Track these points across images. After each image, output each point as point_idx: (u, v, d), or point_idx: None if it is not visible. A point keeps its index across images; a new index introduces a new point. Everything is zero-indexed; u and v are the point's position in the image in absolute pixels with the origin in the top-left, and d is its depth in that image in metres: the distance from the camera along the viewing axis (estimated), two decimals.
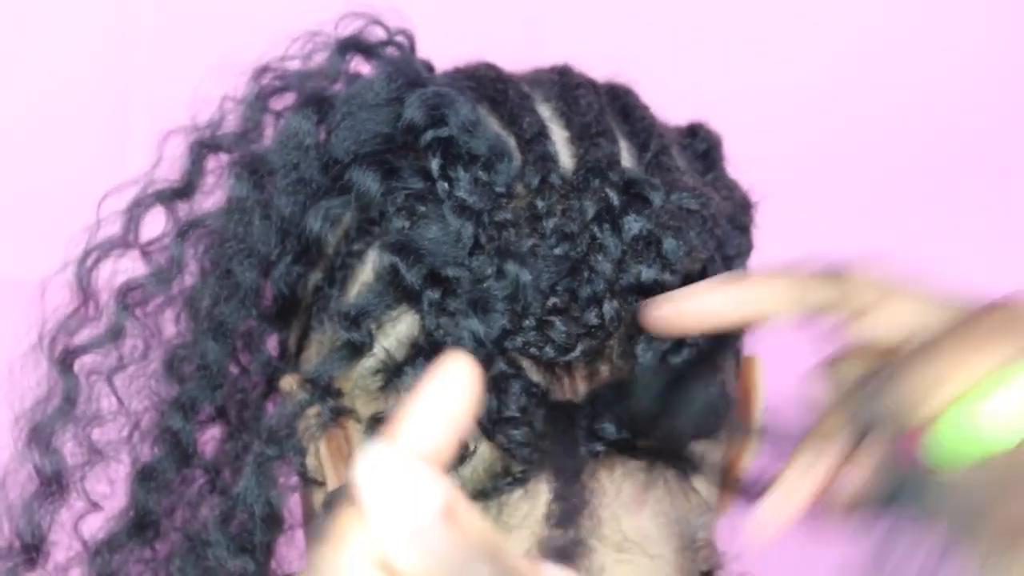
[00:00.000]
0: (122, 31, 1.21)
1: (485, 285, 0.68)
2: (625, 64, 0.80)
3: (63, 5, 1.21)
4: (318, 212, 0.71)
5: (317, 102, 0.72)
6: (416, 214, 0.70)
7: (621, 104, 0.77)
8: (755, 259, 0.77)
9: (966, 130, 1.26)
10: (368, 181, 0.70)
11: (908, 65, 1.28)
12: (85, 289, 0.77)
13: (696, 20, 1.24)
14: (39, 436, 0.73)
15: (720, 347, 0.72)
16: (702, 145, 0.79)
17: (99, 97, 1.19)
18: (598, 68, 0.79)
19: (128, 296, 0.74)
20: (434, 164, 0.70)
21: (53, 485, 0.74)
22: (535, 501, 0.69)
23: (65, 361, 0.74)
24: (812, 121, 1.25)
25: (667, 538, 0.71)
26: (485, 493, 0.69)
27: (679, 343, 0.70)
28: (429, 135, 0.70)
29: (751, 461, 0.77)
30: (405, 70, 0.73)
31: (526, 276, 0.68)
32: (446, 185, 0.70)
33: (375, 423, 0.69)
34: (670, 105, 0.79)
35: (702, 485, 0.73)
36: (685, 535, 0.72)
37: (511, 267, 0.68)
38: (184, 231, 0.72)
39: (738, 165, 0.80)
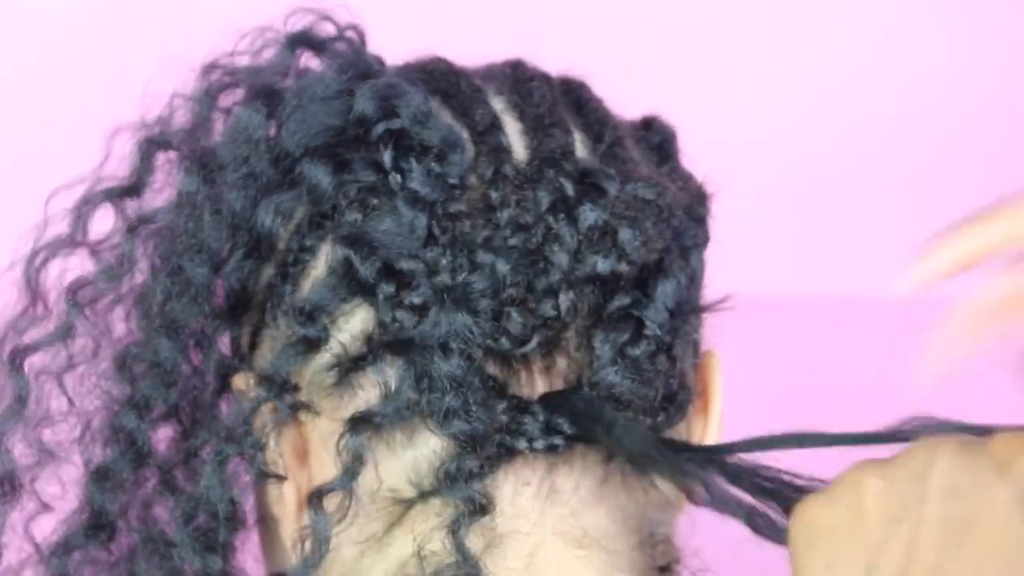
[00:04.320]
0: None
1: (461, 278, 0.67)
2: (597, 60, 0.80)
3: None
4: (269, 206, 0.70)
5: (267, 95, 0.72)
6: (369, 207, 0.69)
7: (575, 97, 0.77)
8: (710, 251, 0.77)
9: (967, 130, 1.27)
10: (320, 174, 0.70)
11: (905, 62, 1.28)
12: (34, 288, 0.76)
13: (688, 18, 1.24)
14: None
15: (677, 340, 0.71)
16: (656, 137, 0.79)
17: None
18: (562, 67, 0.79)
19: (78, 294, 0.73)
20: (386, 156, 0.69)
21: (5, 486, 0.73)
22: (495, 498, 0.69)
23: (14, 361, 0.73)
24: (809, 117, 1.25)
25: (625, 533, 0.71)
26: (438, 490, 0.68)
27: (637, 335, 0.69)
28: (380, 127, 0.70)
29: None
30: (356, 63, 0.73)
31: (504, 267, 0.67)
32: (398, 177, 0.69)
33: (357, 423, 0.68)
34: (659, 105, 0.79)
35: (661, 481, 0.72)
36: (643, 530, 0.72)
37: (486, 258, 0.67)
38: (134, 227, 0.72)
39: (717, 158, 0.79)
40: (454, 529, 0.67)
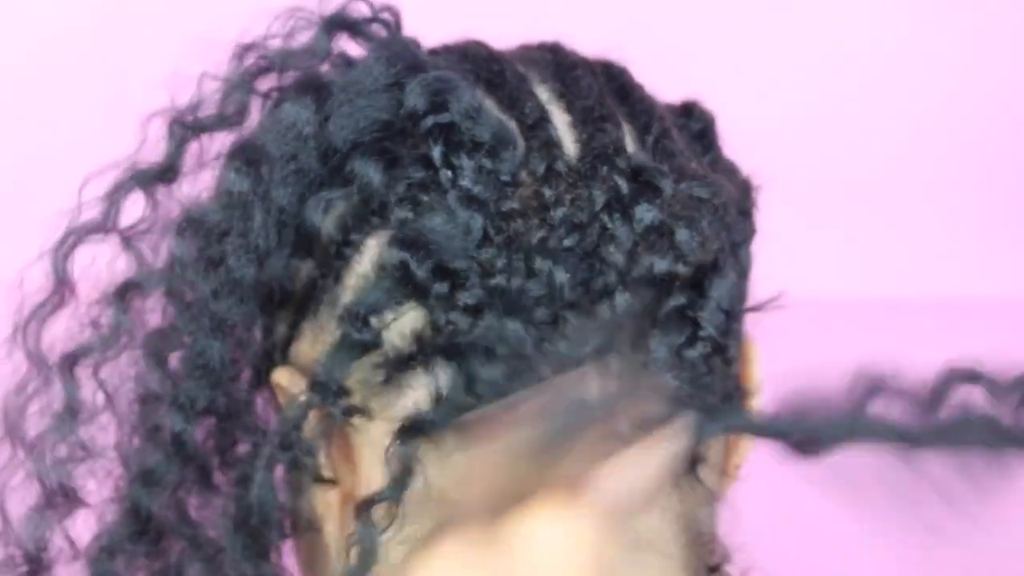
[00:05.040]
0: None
1: (519, 284, 0.66)
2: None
3: None
4: (316, 203, 0.68)
5: (315, 89, 0.70)
6: (419, 204, 0.67)
7: (618, 85, 0.75)
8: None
9: (967, 128, 1.26)
10: (369, 171, 0.68)
11: (909, 63, 1.28)
12: (60, 275, 0.74)
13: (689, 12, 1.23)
14: (37, 445, 0.70)
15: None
16: (697, 125, 0.77)
17: (73, 93, 1.17)
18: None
19: (126, 295, 0.70)
20: (436, 152, 0.68)
21: (56, 494, 0.71)
22: None
23: (62, 364, 0.71)
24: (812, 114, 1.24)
25: (677, 534, 0.70)
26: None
27: (693, 336, 0.68)
28: (430, 121, 0.68)
29: (750, 447, 0.76)
30: (403, 54, 0.71)
31: (561, 271, 0.66)
32: (449, 173, 0.67)
33: (406, 432, 0.67)
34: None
35: (705, 475, 0.72)
36: (692, 529, 0.71)
37: (543, 263, 0.66)
38: (183, 228, 0.69)
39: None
40: None
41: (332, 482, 0.69)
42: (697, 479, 0.70)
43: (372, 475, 0.68)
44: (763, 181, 0.76)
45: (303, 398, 0.67)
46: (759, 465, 0.71)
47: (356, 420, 0.68)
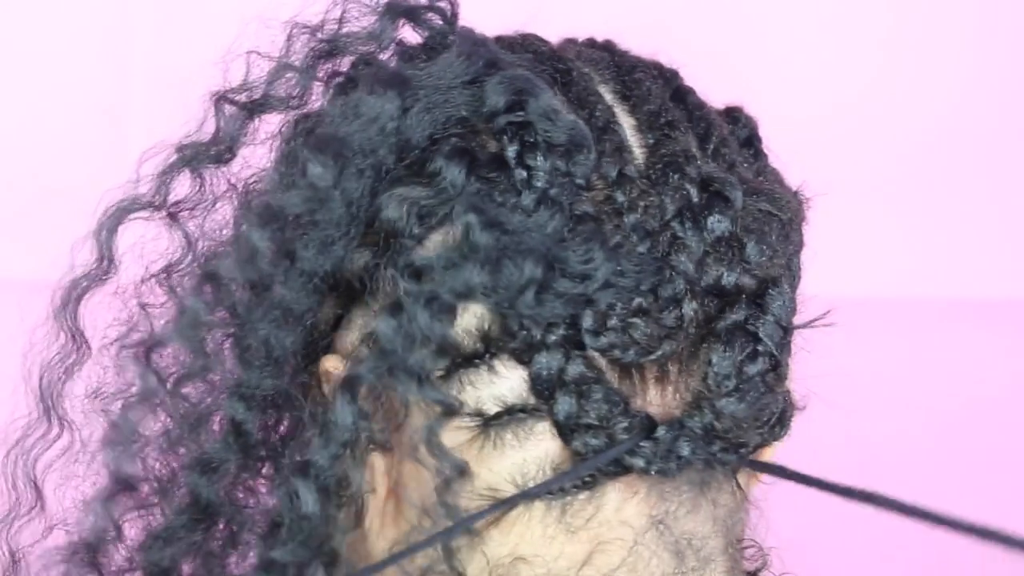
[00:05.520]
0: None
1: (592, 288, 0.66)
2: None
3: None
4: (396, 200, 0.68)
5: (399, 83, 0.69)
6: (495, 203, 0.67)
7: (674, 88, 0.75)
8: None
9: (967, 128, 1.27)
10: (452, 172, 0.67)
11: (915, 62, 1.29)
12: (104, 252, 0.74)
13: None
14: (116, 434, 0.69)
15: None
16: (744, 131, 0.77)
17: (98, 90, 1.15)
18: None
19: (206, 288, 0.69)
20: (511, 151, 0.68)
21: (126, 486, 0.70)
22: (600, 505, 0.68)
23: (140, 357, 0.70)
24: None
25: (717, 537, 0.71)
26: (551, 492, 0.67)
27: (754, 352, 0.69)
28: (508, 120, 0.68)
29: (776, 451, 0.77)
30: (481, 51, 0.70)
31: (633, 276, 0.66)
32: (524, 174, 0.67)
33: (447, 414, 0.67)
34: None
35: (742, 479, 0.72)
36: (731, 533, 0.72)
37: (599, 258, 0.66)
38: (265, 220, 0.68)
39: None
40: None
41: (388, 448, 0.69)
42: (737, 482, 0.71)
43: (422, 463, 0.67)
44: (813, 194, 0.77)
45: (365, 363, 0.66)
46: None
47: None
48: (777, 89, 1.24)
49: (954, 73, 1.30)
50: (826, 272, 1.21)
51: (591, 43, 0.77)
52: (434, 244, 0.67)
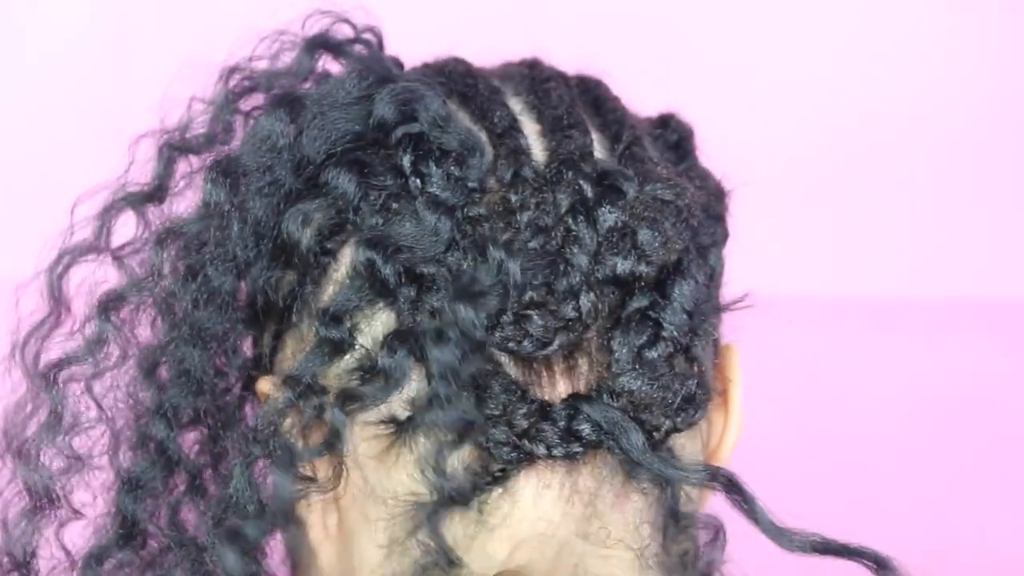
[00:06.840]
0: (91, 35, 1.20)
1: (470, 274, 0.67)
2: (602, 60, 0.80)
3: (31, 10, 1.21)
4: (294, 215, 0.70)
5: (289, 103, 0.72)
6: (390, 211, 0.69)
7: (592, 96, 0.77)
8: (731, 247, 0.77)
9: (968, 129, 1.27)
10: (342, 181, 0.70)
11: (906, 60, 1.28)
12: (55, 295, 0.76)
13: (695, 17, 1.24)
14: (25, 451, 0.72)
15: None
16: (673, 136, 0.79)
17: (72, 100, 1.18)
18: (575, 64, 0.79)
19: (109, 306, 0.73)
20: (406, 160, 0.70)
21: (43, 500, 0.73)
22: (515, 500, 0.69)
23: (48, 375, 0.73)
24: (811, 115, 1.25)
25: (650, 531, 0.71)
26: (465, 494, 0.69)
27: (655, 337, 0.70)
28: (400, 131, 0.70)
29: (731, 452, 0.77)
30: (375, 67, 0.73)
31: (511, 264, 0.67)
32: (418, 181, 0.69)
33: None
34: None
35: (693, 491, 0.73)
36: (669, 528, 0.72)
37: (494, 254, 0.68)
38: (162, 238, 0.71)
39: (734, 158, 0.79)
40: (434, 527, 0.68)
41: (309, 479, 0.70)
42: (667, 482, 0.71)
43: (352, 474, 0.69)
44: (753, 183, 0.78)
45: (277, 396, 0.69)
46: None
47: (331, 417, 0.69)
48: (777, 89, 1.24)
49: (954, 73, 1.29)
50: (826, 272, 1.22)
51: (519, 63, 0.79)
52: (338, 262, 0.70)
